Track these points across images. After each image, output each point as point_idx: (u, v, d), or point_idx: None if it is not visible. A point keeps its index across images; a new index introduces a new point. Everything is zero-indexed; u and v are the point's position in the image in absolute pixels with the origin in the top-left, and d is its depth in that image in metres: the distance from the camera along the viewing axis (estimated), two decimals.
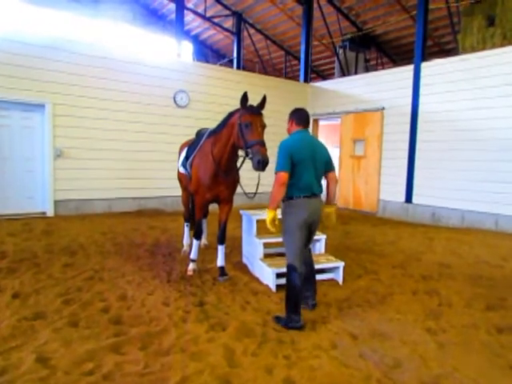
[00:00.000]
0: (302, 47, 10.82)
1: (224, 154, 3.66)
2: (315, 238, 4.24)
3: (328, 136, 17.17)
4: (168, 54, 9.16)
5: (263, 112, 3.45)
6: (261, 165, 3.14)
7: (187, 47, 16.52)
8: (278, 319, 2.94)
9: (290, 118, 3.16)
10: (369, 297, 3.49)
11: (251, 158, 3.23)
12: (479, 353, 2.57)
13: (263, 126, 3.38)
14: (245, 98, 3.37)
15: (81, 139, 7.04)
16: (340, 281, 3.85)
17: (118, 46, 7.93)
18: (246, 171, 3.96)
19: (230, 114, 3.63)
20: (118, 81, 7.35)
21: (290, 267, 2.93)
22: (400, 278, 4.04)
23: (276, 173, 2.86)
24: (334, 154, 17.12)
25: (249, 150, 3.25)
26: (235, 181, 3.92)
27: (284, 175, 2.83)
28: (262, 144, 3.24)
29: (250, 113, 3.33)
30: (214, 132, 3.81)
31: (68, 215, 6.85)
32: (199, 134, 4.34)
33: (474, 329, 2.90)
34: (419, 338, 2.74)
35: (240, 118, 3.36)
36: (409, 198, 7.93)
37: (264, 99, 3.47)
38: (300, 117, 3.11)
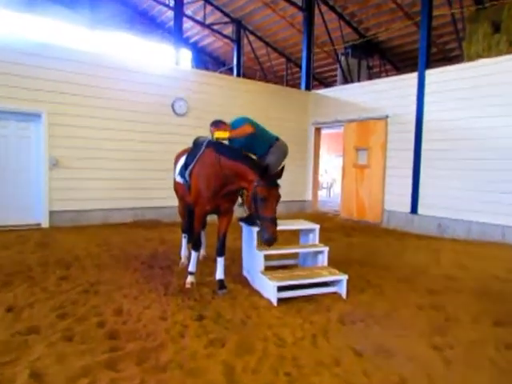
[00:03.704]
0: (304, 54, 10.98)
1: (228, 184, 3.72)
2: (317, 249, 4.30)
3: (330, 145, 17.31)
4: (166, 61, 9.30)
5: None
6: (269, 243, 3.35)
7: (186, 55, 16.77)
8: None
9: (220, 124, 4.13)
10: (373, 311, 3.48)
11: (260, 230, 3.42)
12: (487, 370, 2.57)
13: (278, 199, 3.46)
14: (265, 169, 3.36)
15: (77, 149, 7.10)
16: (343, 294, 3.85)
17: (116, 54, 8.07)
18: None
19: (248, 164, 3.52)
20: (115, 89, 7.45)
21: None
22: (405, 292, 4.04)
23: (245, 124, 3.98)
24: (337, 163, 17.23)
25: (259, 222, 3.41)
26: (238, 190, 3.95)
27: (251, 129, 3.98)
28: (274, 221, 3.35)
29: (269, 186, 3.35)
30: (229, 155, 3.67)
31: (63, 226, 6.88)
32: (197, 142, 4.38)
33: (481, 345, 2.90)
34: (425, 355, 2.74)
35: (256, 187, 3.38)
36: (414, 208, 7.95)
37: (282, 169, 3.56)
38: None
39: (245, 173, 3.53)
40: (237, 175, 3.60)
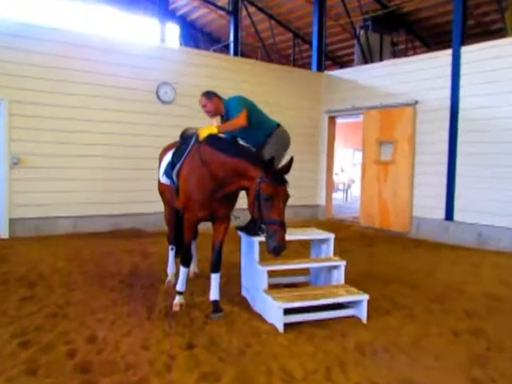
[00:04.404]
0: (314, 29, 11.03)
1: (226, 185, 3.71)
2: (332, 263, 4.32)
3: (347, 137, 17.33)
4: (150, 38, 9.36)
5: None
6: (277, 252, 3.34)
7: (173, 30, 16.83)
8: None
9: (213, 96, 4.23)
10: (399, 339, 3.49)
11: (265, 237, 3.39)
12: None
13: (287, 198, 3.46)
14: (270, 162, 3.37)
15: (43, 143, 7.13)
16: (363, 318, 3.86)
17: (90, 31, 8.11)
18: None
19: (249, 158, 3.56)
20: (89, 72, 7.49)
21: None
22: (438, 315, 4.05)
23: (240, 114, 3.94)
24: (356, 158, 17.14)
25: (263, 226, 3.39)
26: (237, 192, 3.96)
27: (245, 121, 3.95)
28: (282, 225, 3.35)
29: (275, 183, 3.36)
30: (216, 147, 3.74)
31: (26, 237, 6.90)
32: (185, 135, 4.41)
33: None
34: None
35: (259, 185, 3.38)
36: (449, 214, 7.94)
37: (291, 161, 3.53)
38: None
39: (244, 169, 3.53)
40: (235, 173, 3.60)
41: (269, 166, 3.38)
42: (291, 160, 3.57)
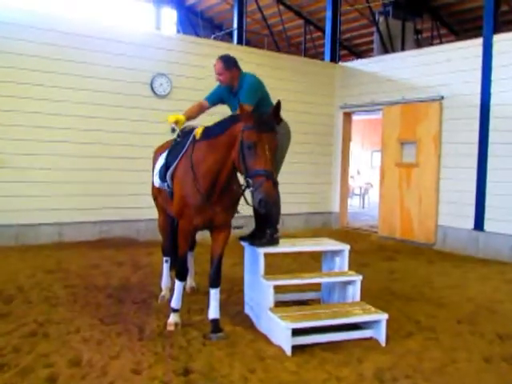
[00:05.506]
0: (328, 14, 11.05)
1: (222, 170, 3.69)
2: (347, 278, 4.32)
3: (365, 135, 17.35)
4: (144, 25, 9.41)
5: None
6: (263, 205, 3.27)
7: (169, 16, 16.93)
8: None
9: (233, 67, 4.16)
10: (422, 364, 3.46)
11: (252, 192, 3.35)
12: None
13: (274, 148, 3.43)
14: (255, 110, 3.42)
15: (22, 142, 7.15)
16: (382, 341, 3.83)
17: (76, 15, 8.15)
18: None
19: (232, 120, 3.63)
20: (74, 62, 7.52)
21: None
22: (467, 338, 4.02)
23: (245, 105, 3.64)
24: (374, 160, 17.12)
25: (250, 181, 3.34)
26: (237, 197, 3.96)
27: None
28: (269, 176, 3.30)
29: (257, 129, 3.34)
30: (208, 136, 3.80)
31: (3, 246, 6.92)
32: (181, 133, 4.41)
33: None
34: None
35: (242, 133, 3.38)
36: (479, 223, 7.90)
37: (278, 106, 3.52)
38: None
39: (233, 131, 3.50)
40: (228, 146, 3.57)
41: (250, 112, 3.39)
42: (278, 104, 3.52)
